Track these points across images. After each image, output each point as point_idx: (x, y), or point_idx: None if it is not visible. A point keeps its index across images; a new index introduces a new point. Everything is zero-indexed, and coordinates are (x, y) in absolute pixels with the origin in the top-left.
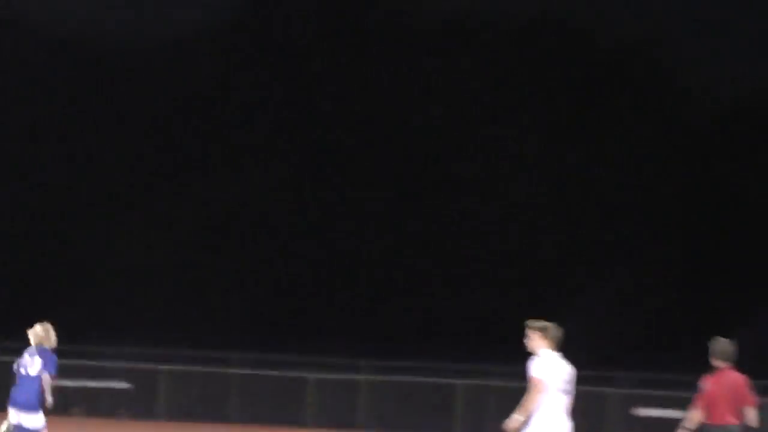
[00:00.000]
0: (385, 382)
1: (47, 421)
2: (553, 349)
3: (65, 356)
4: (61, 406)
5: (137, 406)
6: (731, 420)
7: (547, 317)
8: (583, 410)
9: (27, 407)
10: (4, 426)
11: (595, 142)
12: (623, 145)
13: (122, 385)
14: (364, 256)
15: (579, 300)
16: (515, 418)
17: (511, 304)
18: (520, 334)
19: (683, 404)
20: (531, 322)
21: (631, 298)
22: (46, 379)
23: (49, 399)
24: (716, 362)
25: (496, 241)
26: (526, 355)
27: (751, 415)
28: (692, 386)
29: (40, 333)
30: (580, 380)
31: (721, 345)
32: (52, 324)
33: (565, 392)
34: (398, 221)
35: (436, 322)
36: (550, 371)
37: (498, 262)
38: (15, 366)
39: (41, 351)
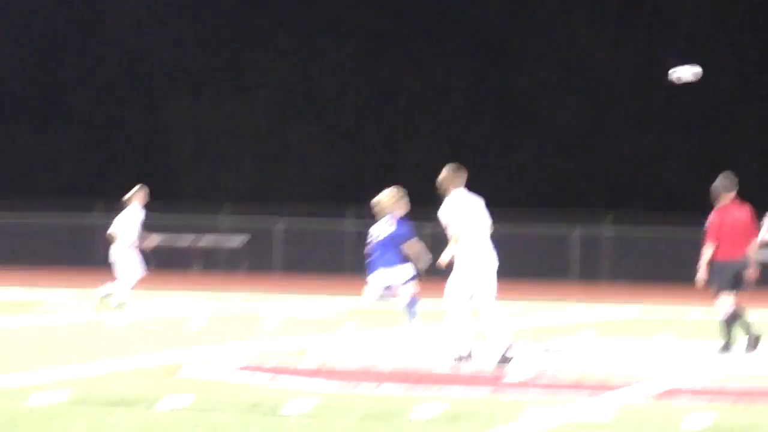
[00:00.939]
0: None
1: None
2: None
3: (180, 218)
4: (181, 263)
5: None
6: (736, 255)
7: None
8: None
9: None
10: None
11: None
12: None
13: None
14: None
15: None
16: (447, 253)
17: None
18: None
19: None
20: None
21: None
22: (408, 243)
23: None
24: (720, 197)
25: None
26: None
27: (752, 247)
28: None
29: (389, 201)
30: None
31: (723, 178)
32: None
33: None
34: None
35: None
36: (464, 208)
37: None
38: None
39: (393, 218)
